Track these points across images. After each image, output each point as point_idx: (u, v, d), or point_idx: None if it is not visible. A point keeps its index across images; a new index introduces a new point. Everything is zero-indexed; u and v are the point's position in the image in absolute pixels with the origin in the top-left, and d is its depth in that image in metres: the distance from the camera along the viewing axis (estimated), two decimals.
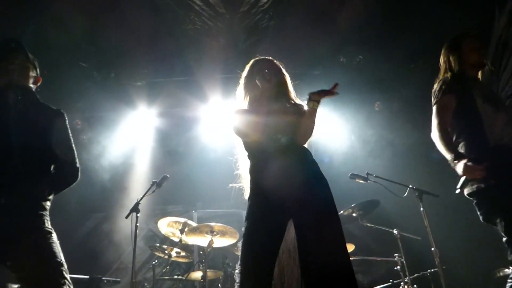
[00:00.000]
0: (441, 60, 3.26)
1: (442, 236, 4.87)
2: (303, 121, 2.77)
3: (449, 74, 3.13)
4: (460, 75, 3.10)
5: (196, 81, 6.39)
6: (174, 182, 5.85)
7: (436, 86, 3.12)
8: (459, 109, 3.00)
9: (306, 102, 2.78)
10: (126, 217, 4.61)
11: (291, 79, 3.04)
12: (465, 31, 3.35)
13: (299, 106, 2.91)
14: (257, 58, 3.06)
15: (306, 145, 2.86)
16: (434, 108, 3.06)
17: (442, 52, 3.26)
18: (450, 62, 3.17)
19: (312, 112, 2.74)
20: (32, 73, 2.80)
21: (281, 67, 3.02)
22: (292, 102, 2.97)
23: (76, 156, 2.74)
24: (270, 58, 3.06)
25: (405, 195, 4.74)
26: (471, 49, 3.15)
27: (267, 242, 2.49)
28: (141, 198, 4.72)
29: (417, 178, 5.33)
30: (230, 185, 3.08)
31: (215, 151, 6.97)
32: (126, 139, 7.10)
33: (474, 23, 4.87)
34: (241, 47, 5.88)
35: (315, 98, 2.73)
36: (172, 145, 7.44)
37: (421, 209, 4.48)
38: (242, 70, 3.09)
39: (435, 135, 3.00)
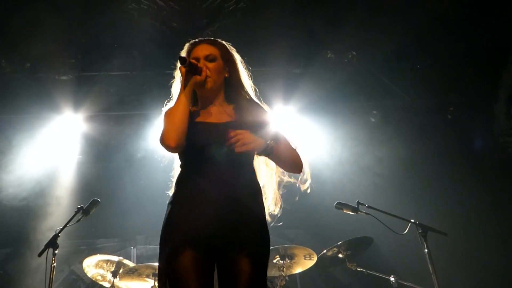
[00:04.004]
0: None
1: (452, 286, 4.93)
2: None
3: None
4: None
5: (140, 77, 6.35)
6: (107, 209, 5.75)
7: None
8: None
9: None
10: (40, 254, 4.50)
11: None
12: None
13: (257, 106, 2.82)
14: (192, 41, 2.92)
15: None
16: None
17: None
18: None
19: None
20: None
21: (228, 48, 2.89)
22: (248, 98, 2.86)
23: None
24: (210, 38, 2.94)
25: (406, 232, 4.79)
26: None
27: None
28: (61, 230, 4.63)
29: (421, 211, 5.42)
30: None
31: (164, 167, 6.89)
32: (44, 150, 6.93)
33: None
34: (200, 35, 5.87)
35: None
36: (106, 159, 7.35)
37: (426, 250, 4.54)
38: None
39: None
